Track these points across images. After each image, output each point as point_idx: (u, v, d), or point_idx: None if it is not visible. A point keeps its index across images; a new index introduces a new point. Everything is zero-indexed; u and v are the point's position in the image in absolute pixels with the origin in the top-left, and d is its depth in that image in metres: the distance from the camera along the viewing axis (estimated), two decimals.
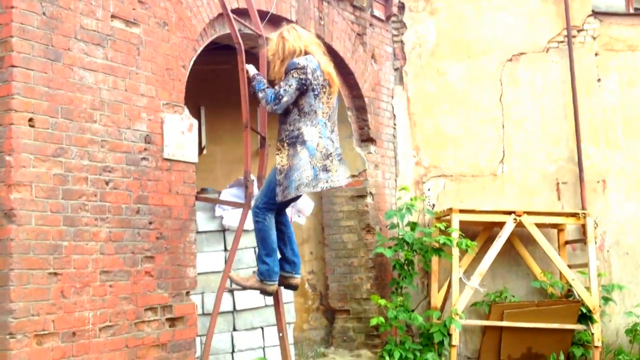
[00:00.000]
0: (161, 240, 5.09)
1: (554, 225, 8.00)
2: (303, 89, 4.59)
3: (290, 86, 4.58)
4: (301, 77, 4.57)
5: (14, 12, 4.19)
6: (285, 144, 4.65)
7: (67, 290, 4.39)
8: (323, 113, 4.69)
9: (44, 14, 4.37)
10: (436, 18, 8.33)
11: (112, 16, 4.84)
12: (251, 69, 5.00)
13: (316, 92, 4.63)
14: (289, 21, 6.58)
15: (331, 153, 4.65)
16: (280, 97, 4.60)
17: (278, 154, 4.69)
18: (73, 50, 4.54)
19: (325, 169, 4.61)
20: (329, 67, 4.75)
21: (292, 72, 4.59)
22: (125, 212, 4.83)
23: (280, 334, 5.29)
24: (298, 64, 4.59)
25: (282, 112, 4.69)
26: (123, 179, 4.84)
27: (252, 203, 4.86)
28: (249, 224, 6.04)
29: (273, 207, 4.81)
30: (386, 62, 8.15)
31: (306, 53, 4.71)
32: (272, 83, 4.92)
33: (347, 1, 7.50)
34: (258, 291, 5.03)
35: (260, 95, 4.76)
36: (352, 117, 7.69)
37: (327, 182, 4.62)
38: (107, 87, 4.77)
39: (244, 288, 5.02)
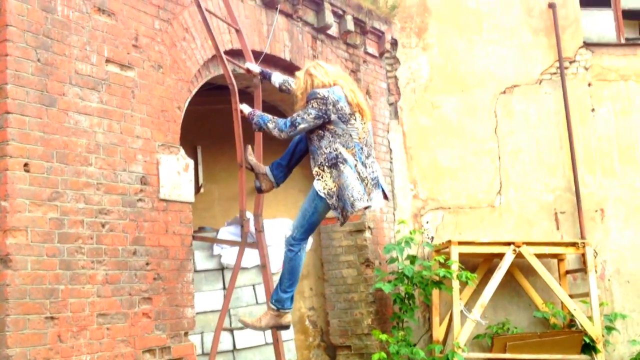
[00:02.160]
0: (158, 281, 5.09)
1: (554, 255, 7.99)
2: (323, 119, 4.53)
3: (308, 115, 4.52)
4: (321, 107, 4.50)
5: (9, 59, 4.27)
6: (325, 167, 4.55)
7: (64, 334, 4.39)
8: (359, 138, 4.62)
9: (38, 60, 4.44)
10: (429, 53, 8.43)
11: (107, 61, 4.91)
12: (245, 108, 4.99)
13: (344, 119, 4.56)
14: (282, 60, 6.69)
15: (366, 176, 4.61)
16: (297, 124, 4.54)
17: (320, 180, 4.56)
18: (68, 95, 4.60)
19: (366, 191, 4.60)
20: (357, 98, 4.69)
21: (312, 101, 4.54)
22: (121, 253, 4.84)
23: None
24: (318, 94, 4.54)
25: (316, 138, 4.61)
26: (119, 220, 4.86)
27: (288, 232, 4.74)
28: (246, 261, 6.08)
29: (309, 234, 4.77)
30: (381, 97, 8.22)
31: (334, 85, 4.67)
32: None
33: (340, 39, 7.61)
34: (273, 328, 4.93)
35: (270, 125, 4.67)
36: None
37: (370, 201, 4.60)
38: (103, 130, 4.82)
39: (259, 330, 4.90)
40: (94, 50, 4.82)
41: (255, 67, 5.29)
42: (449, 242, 7.54)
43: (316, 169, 4.59)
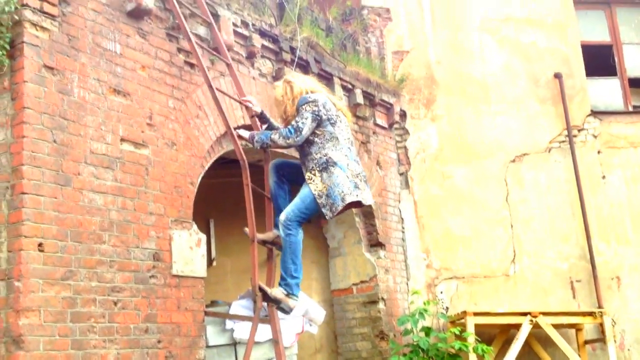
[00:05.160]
0: (170, 359, 5.03)
1: (572, 325, 7.85)
2: (318, 120, 4.83)
3: (306, 119, 4.81)
4: (314, 109, 4.82)
5: (25, 141, 4.36)
6: (316, 172, 4.83)
7: None
8: (345, 139, 4.93)
9: (54, 141, 4.53)
10: (438, 124, 8.53)
11: (122, 139, 5.01)
12: (244, 133, 5.16)
13: (332, 121, 4.89)
14: None
15: (359, 173, 4.89)
16: (300, 129, 4.80)
17: (311, 183, 4.82)
18: (83, 175, 4.67)
19: (357, 187, 4.83)
20: (338, 102, 5.12)
21: (304, 106, 4.85)
22: (133, 332, 4.81)
23: None
24: (308, 97, 4.88)
25: (306, 145, 4.88)
26: (132, 298, 4.85)
27: (282, 216, 4.89)
28: (259, 336, 6.00)
29: (304, 220, 4.92)
30: (391, 167, 8.28)
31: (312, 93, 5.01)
32: (286, 123, 5.09)
33: (350, 112, 7.72)
34: (278, 304, 4.97)
35: (275, 137, 4.90)
36: (360, 223, 7.73)
37: (362, 197, 4.83)
38: (116, 208, 4.87)
39: (270, 297, 4.96)
40: (109, 129, 4.92)
41: (257, 107, 5.41)
42: (465, 312, 7.44)
43: (307, 174, 4.86)
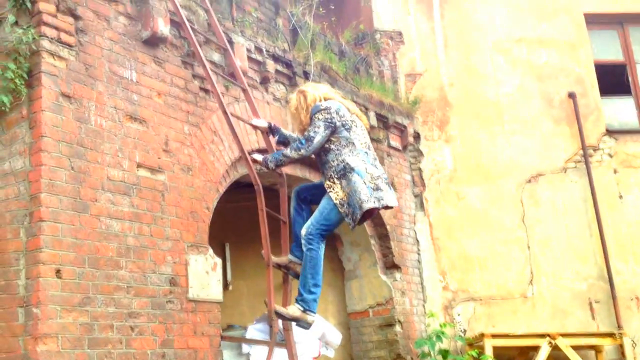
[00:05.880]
0: None
1: (591, 347, 7.75)
2: (332, 128, 4.81)
3: (318, 127, 4.79)
4: (326, 117, 4.80)
5: (43, 169, 4.42)
6: (335, 179, 4.80)
7: None
8: (361, 143, 4.89)
9: (72, 168, 4.59)
10: (452, 145, 8.53)
11: (138, 166, 5.06)
12: (257, 157, 5.17)
13: (347, 127, 4.85)
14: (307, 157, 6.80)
15: (379, 176, 4.83)
16: (312, 138, 4.79)
17: (332, 191, 4.80)
18: (100, 201, 4.72)
19: (378, 188, 4.77)
20: (352, 107, 5.07)
21: (316, 115, 4.83)
22: (150, 357, 4.81)
23: None
24: (321, 105, 4.86)
25: (323, 153, 4.88)
26: (148, 323, 4.86)
27: (303, 231, 4.87)
28: None
29: (326, 233, 4.89)
30: (406, 189, 8.28)
31: (325, 100, 5.00)
32: (303, 134, 5.07)
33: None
34: (296, 322, 4.92)
35: (287, 152, 4.90)
36: (375, 245, 7.72)
37: (382, 199, 4.77)
38: (133, 233, 4.90)
39: (286, 317, 4.90)
40: (125, 156, 4.97)
41: (263, 122, 5.44)
42: (482, 335, 7.38)
43: (327, 182, 4.85)
